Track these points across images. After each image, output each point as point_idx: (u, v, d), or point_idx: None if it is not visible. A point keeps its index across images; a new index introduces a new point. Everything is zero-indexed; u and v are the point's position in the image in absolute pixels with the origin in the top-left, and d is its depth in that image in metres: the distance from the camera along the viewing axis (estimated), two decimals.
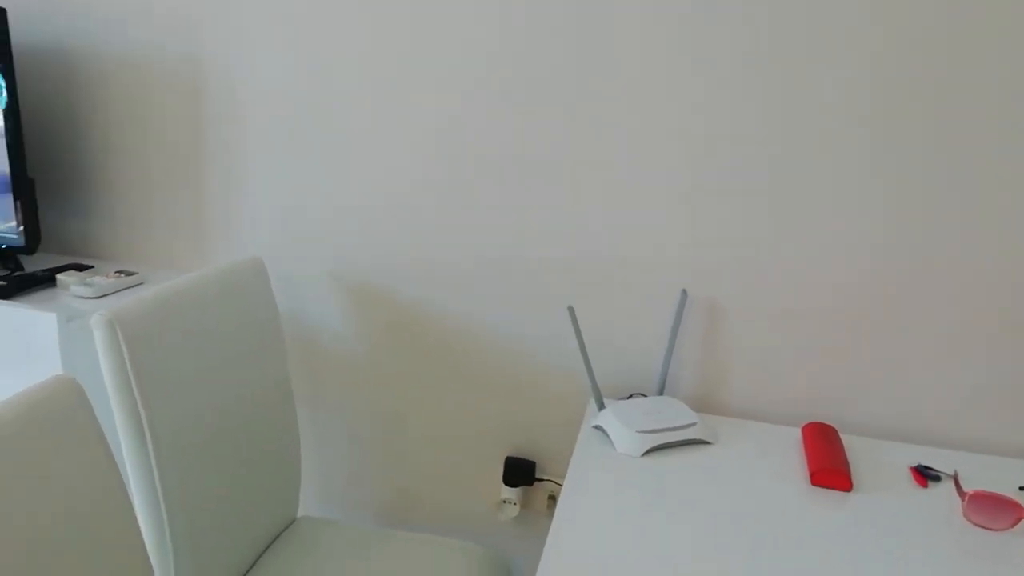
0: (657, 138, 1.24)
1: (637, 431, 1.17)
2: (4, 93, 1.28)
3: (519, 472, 1.44)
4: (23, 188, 1.33)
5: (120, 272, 1.42)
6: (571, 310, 1.22)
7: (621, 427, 1.18)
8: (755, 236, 1.25)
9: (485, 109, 1.30)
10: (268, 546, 1.38)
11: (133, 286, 1.40)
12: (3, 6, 1.26)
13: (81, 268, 1.44)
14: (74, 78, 1.47)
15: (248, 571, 1.31)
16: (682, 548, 0.94)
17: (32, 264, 1.48)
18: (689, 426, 1.20)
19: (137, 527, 0.92)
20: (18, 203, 1.33)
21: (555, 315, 1.37)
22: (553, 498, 1.47)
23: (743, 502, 1.05)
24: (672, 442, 1.18)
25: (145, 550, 0.93)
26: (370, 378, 1.50)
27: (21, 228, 1.34)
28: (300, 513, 1.63)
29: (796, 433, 1.26)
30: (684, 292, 1.29)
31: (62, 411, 0.84)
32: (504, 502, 1.46)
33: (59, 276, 1.37)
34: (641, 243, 1.29)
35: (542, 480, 1.46)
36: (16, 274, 1.39)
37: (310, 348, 1.52)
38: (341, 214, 1.42)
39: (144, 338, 1.06)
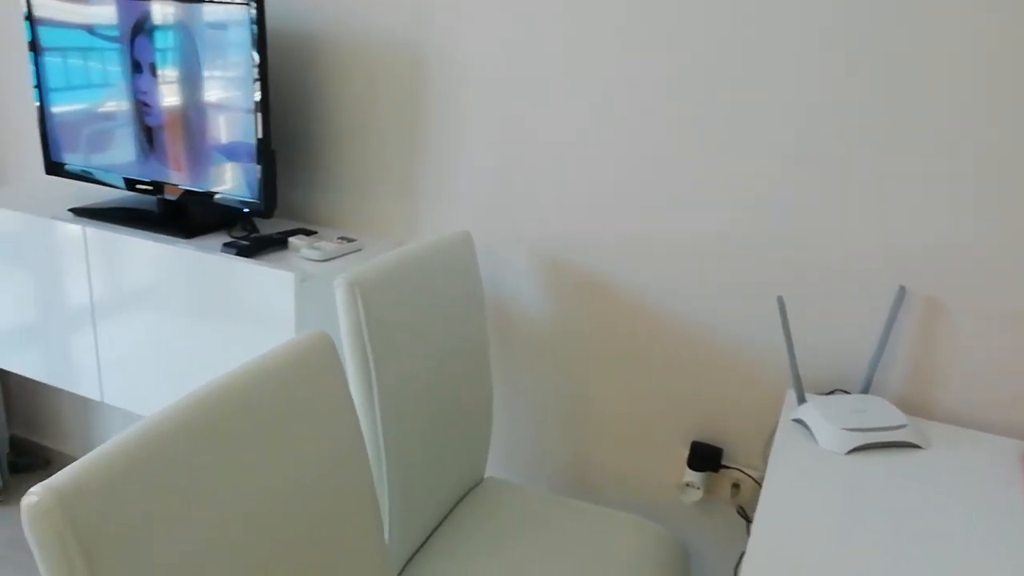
0: (885, 126, 1.19)
1: (843, 428, 1.14)
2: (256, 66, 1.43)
3: (705, 457, 1.45)
4: (266, 158, 1.47)
5: (342, 238, 1.54)
6: (780, 300, 1.20)
7: (825, 422, 1.15)
8: (988, 232, 1.17)
9: (701, 82, 1.30)
10: (458, 502, 1.47)
11: (353, 252, 1.52)
12: None
13: (307, 233, 1.58)
14: (310, 59, 1.60)
15: (440, 524, 1.41)
16: (891, 556, 0.92)
17: (263, 227, 1.65)
18: (899, 427, 1.15)
19: (369, 468, 1.01)
20: (261, 171, 1.48)
21: (755, 301, 1.35)
22: (737, 486, 1.46)
23: (958, 513, 1.00)
24: (879, 442, 1.14)
25: (374, 489, 1.02)
26: (560, 349, 1.55)
27: (261, 194, 1.49)
28: (486, 474, 1.71)
29: (1020, 446, 1.18)
30: (902, 288, 1.23)
31: (319, 361, 0.94)
32: (687, 485, 1.47)
33: (291, 239, 1.52)
34: (859, 234, 1.24)
35: (728, 468, 1.45)
36: (254, 236, 1.55)
37: (506, 318, 1.59)
38: (546, 191, 1.47)
39: (376, 299, 1.15)
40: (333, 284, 1.13)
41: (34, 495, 0.61)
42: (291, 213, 1.73)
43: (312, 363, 0.93)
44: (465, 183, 1.54)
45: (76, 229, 1.56)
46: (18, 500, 2.19)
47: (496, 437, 1.68)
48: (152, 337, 1.55)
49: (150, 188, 1.62)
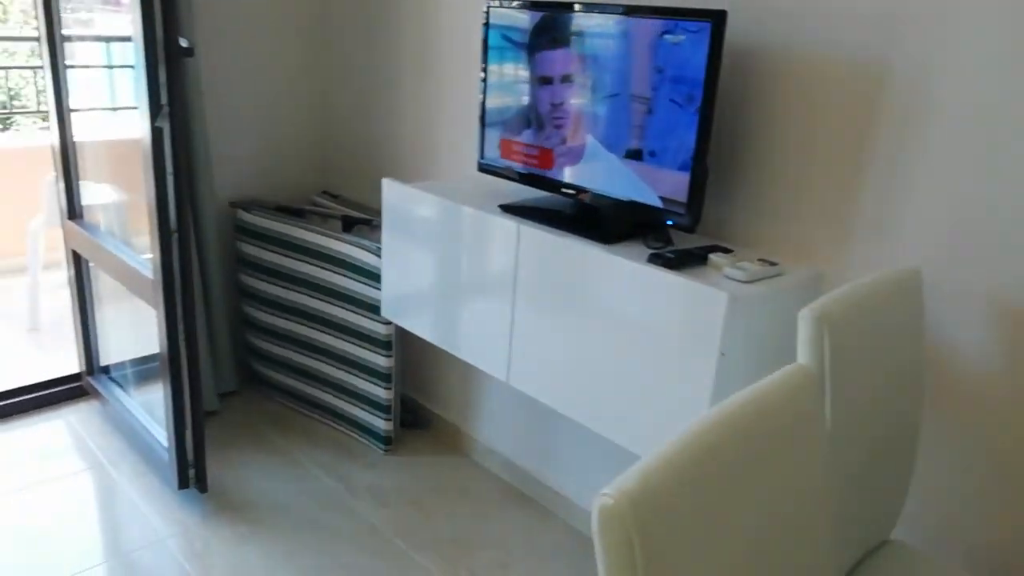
0: None
1: None
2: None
3: None
4: (700, 172, 1.48)
5: (763, 260, 1.50)
6: None
7: None
8: None
9: None
10: (858, 563, 1.35)
11: (775, 276, 1.47)
12: (723, 8, 1.40)
13: (724, 251, 1.56)
14: (751, 72, 1.58)
15: None
16: None
17: (677, 240, 1.66)
18: None
19: (828, 508, 0.96)
20: (691, 185, 1.49)
21: None
22: None
23: None
24: None
25: (829, 532, 0.96)
26: (1005, 407, 1.35)
27: (689, 207, 1.50)
28: (892, 535, 1.56)
29: None
30: None
31: (803, 397, 0.91)
32: None
33: (710, 256, 1.51)
34: None
35: None
36: (676, 249, 1.56)
37: (941, 362, 1.42)
38: (1016, 234, 1.28)
39: (839, 336, 1.09)
40: (798, 316, 1.09)
41: (608, 497, 0.65)
42: (701, 227, 1.72)
43: (797, 399, 0.90)
44: (912, 215, 1.40)
45: (511, 225, 1.70)
46: (405, 451, 2.50)
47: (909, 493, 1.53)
48: (562, 332, 1.65)
49: (572, 192, 1.72)
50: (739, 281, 1.43)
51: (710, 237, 1.70)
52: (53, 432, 2.53)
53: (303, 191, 2.83)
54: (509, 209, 1.79)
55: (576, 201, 1.75)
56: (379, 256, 2.24)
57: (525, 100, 1.78)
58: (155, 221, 1.93)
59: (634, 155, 1.58)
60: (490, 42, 1.82)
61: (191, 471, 2.15)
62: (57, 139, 2.42)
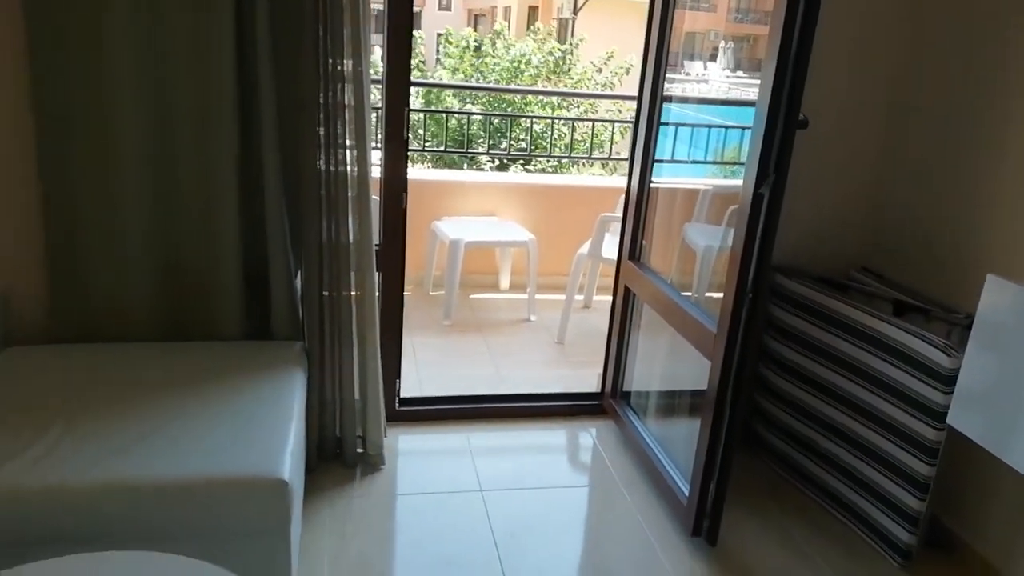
0: None
1: None
2: None
3: None
4: None
5: None
6: None
7: None
8: None
9: None
10: None
11: None
12: None
13: None
14: None
15: None
16: None
17: None
18: None
19: None
20: None
21: None
22: None
23: None
24: None
25: None
26: None
27: None
28: None
29: None
30: None
31: None
32: None
33: None
34: None
35: None
36: None
37: None
38: None
39: None
40: None
41: None
42: None
43: None
44: None
45: None
46: (922, 572, 2.22)
47: None
48: None
49: None
50: None
51: None
52: (575, 442, 2.83)
53: (841, 263, 2.72)
54: None
55: None
56: (946, 353, 2.02)
57: None
58: (734, 281, 2.01)
59: None
60: None
61: (706, 521, 2.20)
62: (636, 186, 2.70)
